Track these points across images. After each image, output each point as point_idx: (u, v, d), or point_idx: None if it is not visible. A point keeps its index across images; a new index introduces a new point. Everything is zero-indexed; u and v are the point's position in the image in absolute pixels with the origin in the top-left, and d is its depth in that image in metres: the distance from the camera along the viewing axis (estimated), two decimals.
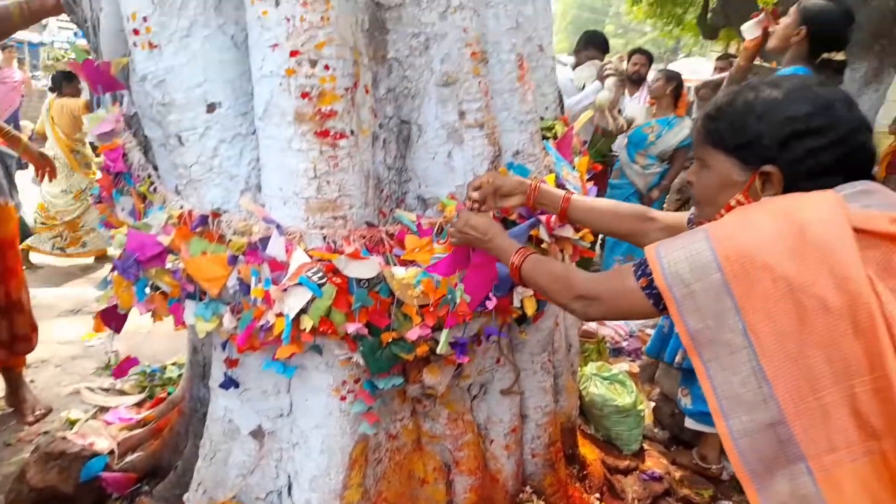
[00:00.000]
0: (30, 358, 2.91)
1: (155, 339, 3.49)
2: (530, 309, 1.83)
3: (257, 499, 1.79)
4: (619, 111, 4.45)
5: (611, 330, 3.74)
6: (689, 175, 1.28)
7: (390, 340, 1.58)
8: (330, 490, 1.68)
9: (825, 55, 2.38)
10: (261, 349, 1.59)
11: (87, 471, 2.09)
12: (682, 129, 4.21)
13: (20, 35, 11.72)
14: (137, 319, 1.85)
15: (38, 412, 2.76)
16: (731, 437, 1.01)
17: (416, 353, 1.62)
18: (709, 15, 7.60)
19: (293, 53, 1.40)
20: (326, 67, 1.43)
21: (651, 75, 4.82)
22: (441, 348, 1.61)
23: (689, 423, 2.73)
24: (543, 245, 1.84)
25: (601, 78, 3.93)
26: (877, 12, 4.32)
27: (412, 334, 1.57)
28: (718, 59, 5.60)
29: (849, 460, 0.95)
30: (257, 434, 1.80)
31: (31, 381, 2.89)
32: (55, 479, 2.06)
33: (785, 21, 2.43)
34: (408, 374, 1.77)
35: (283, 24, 1.39)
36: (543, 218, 1.80)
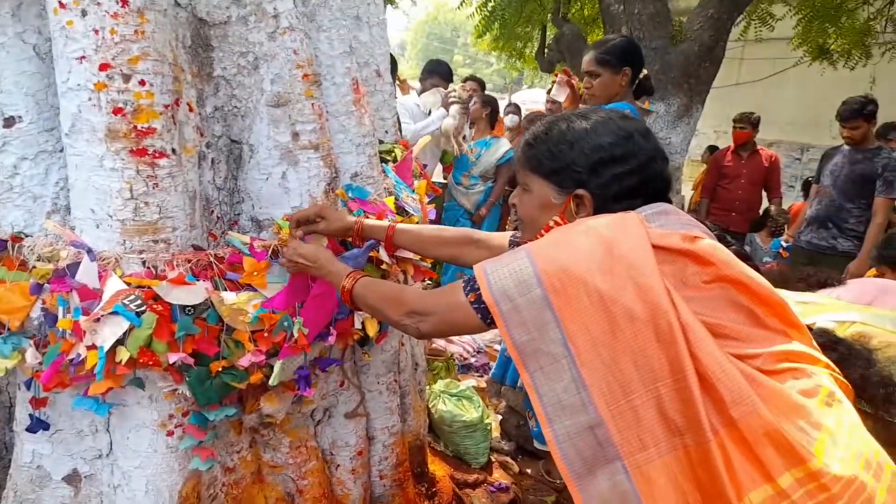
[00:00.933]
0: None
1: None
2: (372, 330, 1.83)
3: None
4: (464, 137, 4.64)
5: (459, 347, 3.84)
6: (512, 198, 1.36)
7: (220, 369, 1.51)
8: None
9: (639, 79, 2.62)
10: (72, 386, 1.45)
11: None
12: (500, 148, 4.55)
13: None
14: None
15: None
16: (556, 441, 1.07)
17: (249, 380, 1.56)
18: (546, 51, 8.18)
19: (103, 67, 1.32)
20: (142, 83, 1.36)
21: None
22: (274, 380, 1.57)
23: (537, 444, 2.85)
24: (384, 266, 1.85)
25: (446, 105, 4.08)
26: (683, 56, 4.89)
27: (244, 361, 1.51)
28: (548, 92, 6.00)
29: (657, 456, 1.03)
30: (72, 479, 1.63)
31: None
32: None
33: (603, 78, 2.53)
34: (244, 402, 1.70)
35: (90, 35, 1.30)
36: None
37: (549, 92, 3.14)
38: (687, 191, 7.81)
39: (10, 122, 1.41)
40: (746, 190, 5.43)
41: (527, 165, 1.28)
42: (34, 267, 1.41)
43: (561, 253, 1.09)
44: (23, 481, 1.65)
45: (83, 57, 1.32)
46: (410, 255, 1.94)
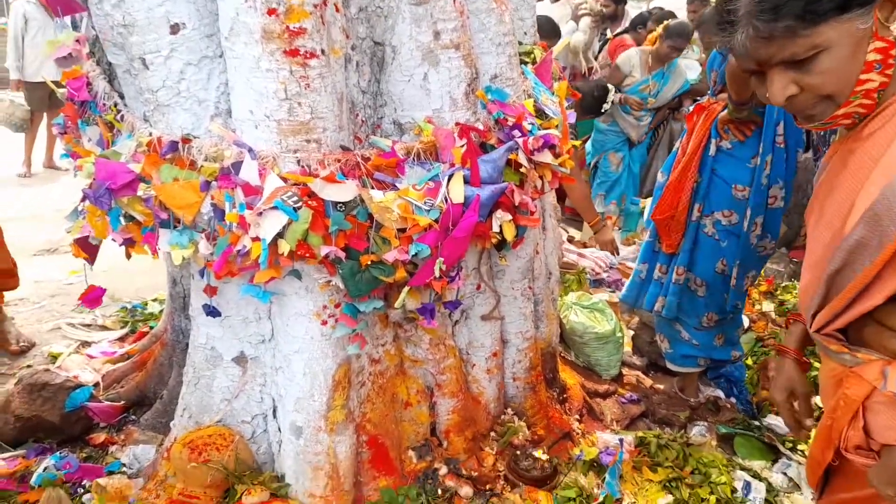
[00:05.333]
0: (8, 296, 2.89)
1: (135, 276, 3.47)
2: (509, 234, 1.83)
3: (243, 422, 1.83)
4: (594, 54, 4.35)
5: (591, 262, 3.77)
6: (785, 91, 1.05)
7: (369, 263, 1.58)
8: (314, 411, 1.72)
9: None
10: (239, 275, 1.59)
11: (72, 401, 2.12)
12: (679, 77, 4.15)
13: None
14: (115, 256, 1.84)
15: (22, 343, 2.78)
16: None
17: (395, 276, 1.63)
18: None
19: None
20: None
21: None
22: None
23: (670, 366, 2.77)
24: (522, 170, 1.83)
25: (576, 18, 3.83)
26: None
27: (390, 257, 1.58)
28: (690, 1, 5.19)
29: None
30: (240, 360, 1.82)
31: (11, 319, 2.88)
32: (40, 408, 2.09)
33: None
34: (389, 298, 1.79)
35: None
36: (521, 141, 1.79)
37: None
38: None
39: (175, 28, 1.50)
40: None
41: (806, 20, 0.99)
42: (202, 166, 1.53)
43: None
44: (199, 360, 1.86)
45: None
46: (549, 159, 1.89)
